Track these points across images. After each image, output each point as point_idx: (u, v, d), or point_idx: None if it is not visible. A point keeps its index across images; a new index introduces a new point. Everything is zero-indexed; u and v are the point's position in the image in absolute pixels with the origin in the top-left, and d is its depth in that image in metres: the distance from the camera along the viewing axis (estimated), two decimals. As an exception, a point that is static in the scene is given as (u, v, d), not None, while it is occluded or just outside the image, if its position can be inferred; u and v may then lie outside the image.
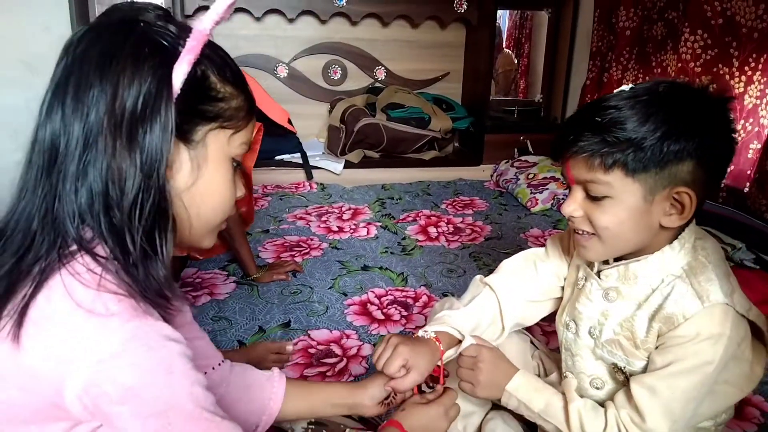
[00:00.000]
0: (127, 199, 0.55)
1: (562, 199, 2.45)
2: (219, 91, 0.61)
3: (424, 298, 1.62)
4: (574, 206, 0.77)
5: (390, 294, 1.64)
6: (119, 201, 0.55)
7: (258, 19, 2.82)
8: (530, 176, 2.70)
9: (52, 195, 0.56)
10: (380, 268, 1.82)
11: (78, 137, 0.55)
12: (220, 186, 0.64)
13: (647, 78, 2.51)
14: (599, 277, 0.83)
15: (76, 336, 0.51)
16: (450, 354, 0.89)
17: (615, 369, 0.83)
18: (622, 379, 0.83)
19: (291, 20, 2.87)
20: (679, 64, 2.27)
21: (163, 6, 0.64)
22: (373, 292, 1.65)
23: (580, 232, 0.79)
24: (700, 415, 0.79)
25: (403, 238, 2.10)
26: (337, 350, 1.35)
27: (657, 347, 0.77)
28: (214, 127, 0.62)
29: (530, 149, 2.99)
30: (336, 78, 3.05)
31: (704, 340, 0.72)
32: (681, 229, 0.78)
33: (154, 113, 0.55)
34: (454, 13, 2.91)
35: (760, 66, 2.01)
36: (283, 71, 2.96)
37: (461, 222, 2.29)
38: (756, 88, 2.02)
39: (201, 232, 0.66)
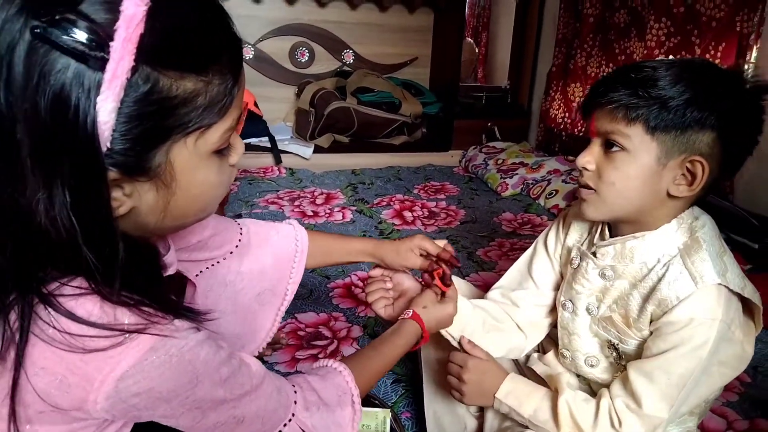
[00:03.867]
0: (66, 248, 0.45)
1: (531, 183, 2.49)
2: (173, 96, 0.45)
3: (408, 281, 1.61)
4: (589, 158, 0.77)
5: (373, 277, 1.62)
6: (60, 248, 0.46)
7: (222, -3, 2.72)
8: (499, 161, 2.73)
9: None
10: (360, 251, 1.80)
11: None
12: (205, 188, 0.52)
13: (611, 65, 2.56)
14: (595, 256, 0.84)
15: (92, 356, 0.47)
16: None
17: (608, 345, 0.84)
18: (614, 355, 0.84)
19: (257, 0, 2.79)
20: (645, 51, 2.33)
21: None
22: (355, 275, 1.63)
23: (586, 187, 0.79)
24: (697, 396, 0.80)
25: (380, 222, 2.09)
26: (327, 333, 1.33)
27: (651, 333, 0.77)
28: (178, 139, 0.47)
29: (498, 135, 3.02)
30: (303, 60, 2.99)
31: (698, 325, 0.72)
32: (682, 209, 0.78)
33: (73, 176, 0.43)
34: (423, -3, 2.90)
35: (719, 54, 2.07)
36: (248, 53, 2.88)
37: (435, 206, 2.29)
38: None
39: (192, 223, 0.58)
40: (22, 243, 0.45)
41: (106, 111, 0.41)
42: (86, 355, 0.46)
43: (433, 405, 0.99)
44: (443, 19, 3.04)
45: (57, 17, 0.39)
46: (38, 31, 0.39)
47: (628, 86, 0.72)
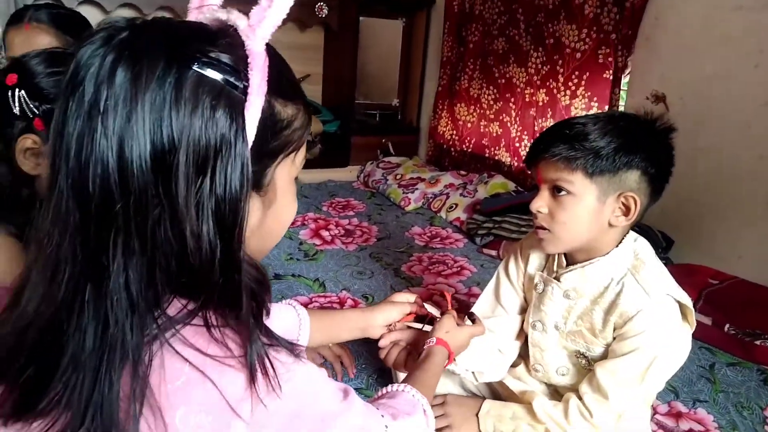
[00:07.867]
0: (203, 267, 0.48)
1: (431, 197, 2.67)
2: (283, 119, 0.53)
3: (350, 302, 1.67)
4: (541, 203, 0.92)
5: (315, 301, 1.66)
6: (195, 268, 0.48)
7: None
8: (398, 176, 2.88)
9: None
10: (293, 275, 1.82)
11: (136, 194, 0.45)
12: (287, 212, 0.60)
13: (492, 88, 2.83)
14: (559, 280, 0.99)
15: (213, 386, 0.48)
16: None
17: (578, 355, 1.00)
18: (584, 363, 1.00)
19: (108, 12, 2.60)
20: (526, 77, 2.62)
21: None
22: (297, 300, 1.64)
23: (541, 228, 0.93)
24: (653, 386, 0.97)
25: (301, 243, 2.12)
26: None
27: (615, 338, 0.94)
28: (281, 159, 0.55)
29: (392, 150, 3.18)
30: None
31: (654, 331, 0.89)
32: (624, 233, 0.95)
33: (229, 181, 0.47)
34: (315, 17, 2.95)
35: (582, 83, 2.38)
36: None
37: (348, 224, 2.37)
38: (580, 102, 2.40)
39: (264, 254, 0.63)
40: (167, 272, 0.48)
41: (250, 130, 0.49)
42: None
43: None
44: (335, 38, 3.11)
45: (205, 59, 0.47)
46: (197, 70, 0.46)
47: (565, 142, 0.87)
